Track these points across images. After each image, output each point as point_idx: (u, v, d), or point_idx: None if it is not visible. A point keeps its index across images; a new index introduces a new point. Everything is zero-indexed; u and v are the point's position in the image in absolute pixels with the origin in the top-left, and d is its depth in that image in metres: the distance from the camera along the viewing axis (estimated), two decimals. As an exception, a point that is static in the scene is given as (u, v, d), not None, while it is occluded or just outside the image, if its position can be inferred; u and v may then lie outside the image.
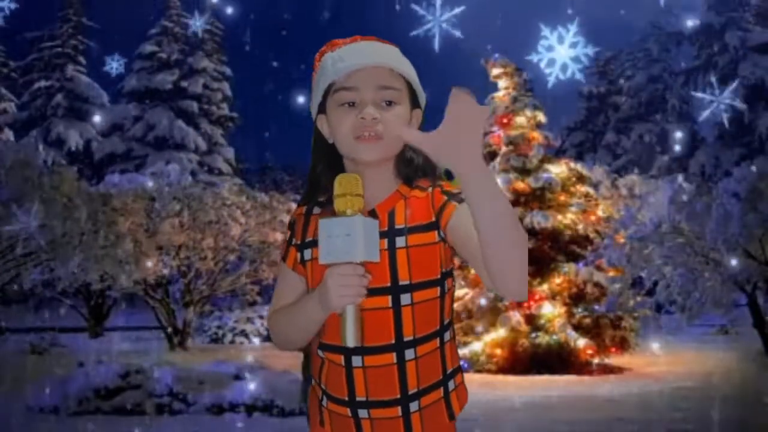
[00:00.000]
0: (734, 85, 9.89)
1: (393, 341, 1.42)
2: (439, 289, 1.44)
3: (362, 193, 1.36)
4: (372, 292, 1.38)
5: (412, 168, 1.48)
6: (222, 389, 6.58)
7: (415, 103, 1.50)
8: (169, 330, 12.66)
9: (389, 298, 1.42)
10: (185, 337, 12.72)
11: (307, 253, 1.49)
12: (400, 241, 1.42)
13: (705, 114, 9.63)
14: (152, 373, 6.75)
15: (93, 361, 7.54)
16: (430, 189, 1.45)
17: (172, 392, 6.56)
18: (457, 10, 8.89)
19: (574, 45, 9.85)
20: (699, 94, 10.10)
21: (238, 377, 6.85)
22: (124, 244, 9.46)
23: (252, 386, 6.55)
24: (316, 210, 1.52)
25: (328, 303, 1.35)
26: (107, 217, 9.39)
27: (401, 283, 1.42)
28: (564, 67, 10.06)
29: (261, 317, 14.24)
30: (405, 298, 1.42)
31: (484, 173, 1.24)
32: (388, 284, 1.42)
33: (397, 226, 1.43)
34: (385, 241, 1.42)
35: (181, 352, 12.03)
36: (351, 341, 1.35)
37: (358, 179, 1.36)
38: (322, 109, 1.49)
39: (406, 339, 1.43)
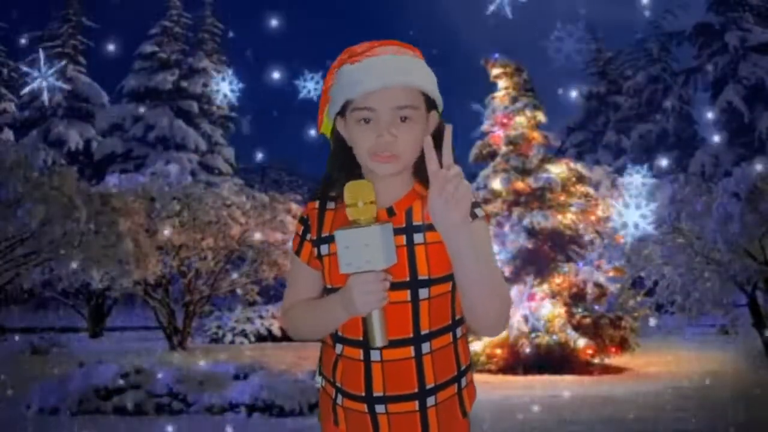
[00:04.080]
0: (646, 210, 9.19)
1: (411, 335, 1.46)
2: (451, 283, 1.48)
3: (375, 200, 1.39)
4: (391, 286, 1.42)
5: None
6: (222, 389, 6.57)
7: (432, 104, 1.52)
8: (169, 330, 12.66)
9: (408, 292, 1.46)
10: (185, 337, 12.73)
11: (324, 248, 1.52)
12: (418, 238, 1.47)
13: None
14: (152, 373, 6.75)
15: (93, 361, 7.54)
16: None
17: (172, 392, 6.56)
18: (59, 66, 9.52)
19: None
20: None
21: (238, 377, 6.85)
22: (124, 244, 9.44)
23: (252, 386, 6.54)
24: (330, 205, 1.56)
25: (354, 309, 1.39)
26: (107, 217, 9.36)
27: (420, 277, 1.45)
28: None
29: (261, 317, 14.23)
30: (423, 293, 1.46)
31: (467, 234, 1.35)
32: (407, 279, 1.45)
33: (414, 223, 1.48)
34: (403, 237, 1.47)
35: (181, 352, 12.03)
36: (379, 342, 1.39)
37: (370, 186, 1.39)
38: (341, 112, 1.52)
39: (423, 332, 1.47)
